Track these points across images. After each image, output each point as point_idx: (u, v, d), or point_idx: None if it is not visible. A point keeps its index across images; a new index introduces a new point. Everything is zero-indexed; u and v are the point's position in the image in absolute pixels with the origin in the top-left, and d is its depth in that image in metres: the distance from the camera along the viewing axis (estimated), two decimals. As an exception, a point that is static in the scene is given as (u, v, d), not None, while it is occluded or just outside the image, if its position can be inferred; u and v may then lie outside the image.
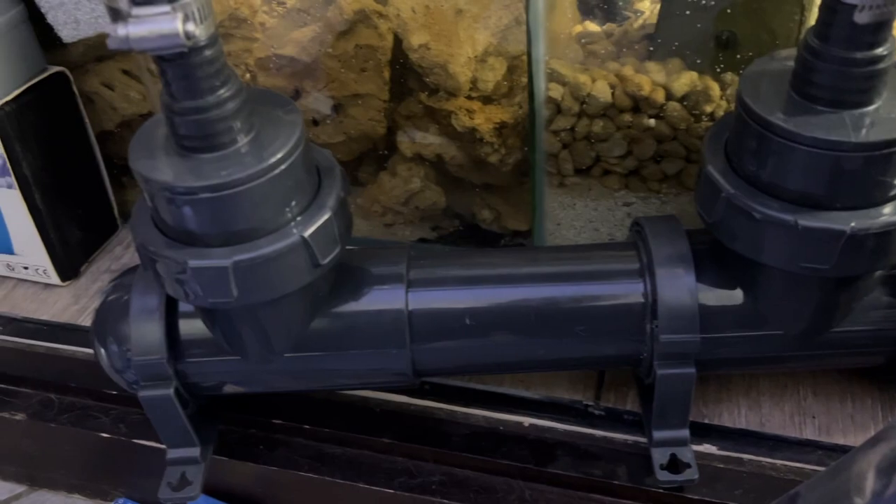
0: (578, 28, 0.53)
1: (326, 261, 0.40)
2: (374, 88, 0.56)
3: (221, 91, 0.36)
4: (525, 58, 0.52)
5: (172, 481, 0.46)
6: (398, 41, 0.54)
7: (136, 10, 0.32)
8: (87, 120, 0.62)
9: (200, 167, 0.37)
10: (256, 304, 0.40)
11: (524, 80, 0.53)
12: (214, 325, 0.43)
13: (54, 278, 0.62)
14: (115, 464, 0.57)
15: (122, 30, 0.32)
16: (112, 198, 0.66)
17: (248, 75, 0.57)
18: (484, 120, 0.54)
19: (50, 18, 0.55)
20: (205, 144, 0.37)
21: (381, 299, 0.43)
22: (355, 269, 0.44)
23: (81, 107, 0.61)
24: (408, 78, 0.56)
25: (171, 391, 0.44)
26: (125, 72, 0.61)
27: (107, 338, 0.45)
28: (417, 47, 0.53)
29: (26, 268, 0.62)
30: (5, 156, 0.55)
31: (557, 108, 0.52)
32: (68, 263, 0.62)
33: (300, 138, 0.38)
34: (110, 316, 0.46)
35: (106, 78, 0.62)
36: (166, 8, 0.32)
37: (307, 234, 0.38)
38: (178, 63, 0.35)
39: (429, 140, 0.58)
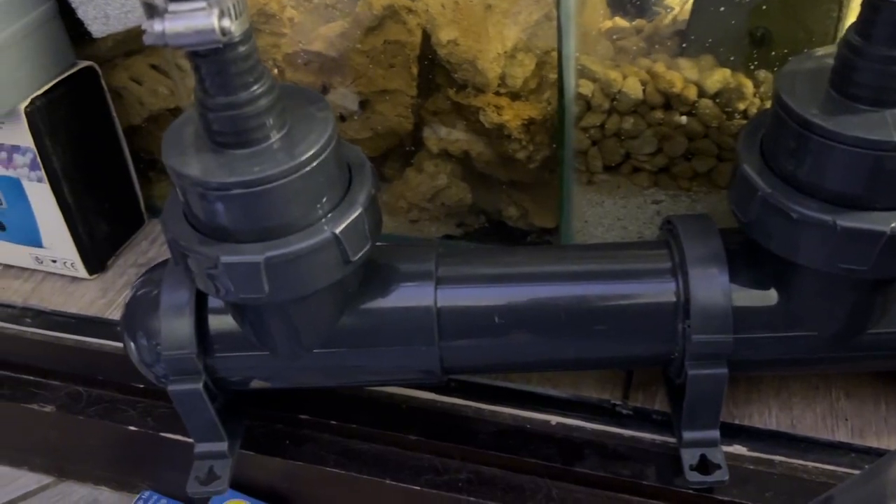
0: (608, 24, 0.53)
1: (357, 257, 0.40)
2: (401, 84, 0.55)
3: (255, 87, 0.36)
4: (554, 54, 0.52)
5: (200, 475, 0.46)
6: (427, 37, 0.53)
7: (173, 6, 0.32)
8: (114, 114, 0.62)
9: (233, 163, 0.37)
10: (286, 300, 0.40)
11: (553, 76, 0.53)
12: (244, 321, 0.43)
13: (82, 272, 0.62)
14: (141, 457, 0.58)
15: (157, 25, 0.32)
16: (139, 192, 0.66)
17: (275, 71, 0.57)
18: (512, 116, 0.54)
19: (80, 13, 0.55)
20: (237, 140, 0.37)
21: (410, 296, 0.43)
22: (384, 265, 0.44)
23: (110, 101, 0.61)
24: (436, 74, 0.56)
25: (200, 385, 0.44)
26: (153, 67, 0.62)
27: (136, 332, 0.46)
28: (446, 43, 0.53)
29: (54, 261, 0.62)
30: (36, 150, 0.56)
31: (587, 105, 0.51)
32: (96, 257, 0.63)
33: (332, 135, 0.38)
34: (140, 310, 0.46)
35: (134, 73, 0.62)
36: (202, 4, 0.32)
37: (338, 230, 0.38)
38: (212, 59, 0.35)
39: (456, 136, 0.57)
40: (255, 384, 0.47)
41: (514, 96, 0.54)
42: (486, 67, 0.52)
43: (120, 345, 0.58)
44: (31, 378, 0.59)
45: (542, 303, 0.43)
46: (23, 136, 0.55)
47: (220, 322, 0.44)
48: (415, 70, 0.55)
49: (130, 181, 0.65)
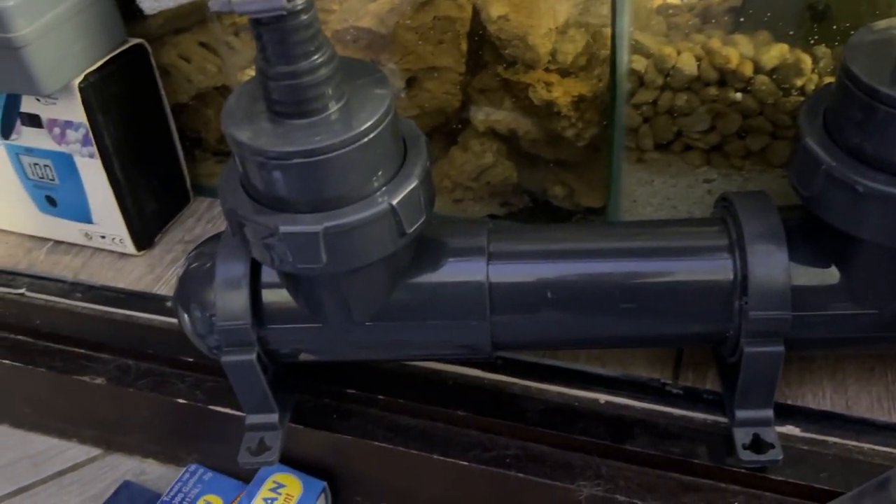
0: (660, 0, 0.52)
1: (412, 230, 0.40)
2: (450, 61, 0.55)
3: (315, 57, 0.36)
4: (605, 30, 0.51)
5: (251, 446, 0.47)
6: (476, 13, 0.53)
7: (239, -27, 0.32)
8: (163, 92, 0.63)
9: (293, 133, 0.37)
10: (341, 271, 0.40)
11: (603, 52, 0.53)
12: (298, 292, 0.44)
13: (130, 248, 0.63)
14: (189, 430, 0.58)
15: (223, -8, 0.32)
16: (185, 170, 0.67)
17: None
18: (562, 93, 0.54)
19: (132, -11, 0.56)
20: (297, 110, 0.37)
21: (462, 271, 0.43)
22: (435, 241, 0.44)
23: (158, 79, 0.62)
24: (484, 50, 0.55)
25: (253, 356, 0.44)
26: (202, 44, 0.62)
27: (190, 304, 0.46)
28: (496, 18, 0.52)
29: (103, 237, 0.63)
30: (88, 126, 0.56)
31: (640, 81, 0.51)
32: (144, 234, 0.64)
33: (390, 107, 0.38)
34: (193, 282, 0.46)
35: (183, 50, 0.62)
36: (268, -29, 0.32)
37: (395, 202, 0.38)
38: (274, 27, 0.35)
39: (503, 114, 0.57)
40: (306, 356, 0.47)
41: (564, 73, 0.54)
42: (537, 43, 0.52)
43: (169, 319, 0.59)
44: (82, 351, 0.60)
45: (595, 279, 0.43)
46: (76, 112, 0.56)
47: (274, 294, 0.44)
48: (464, 46, 0.55)
49: (177, 159, 0.66)
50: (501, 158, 0.59)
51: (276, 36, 0.35)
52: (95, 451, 0.64)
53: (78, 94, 0.55)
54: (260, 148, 0.37)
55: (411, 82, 0.57)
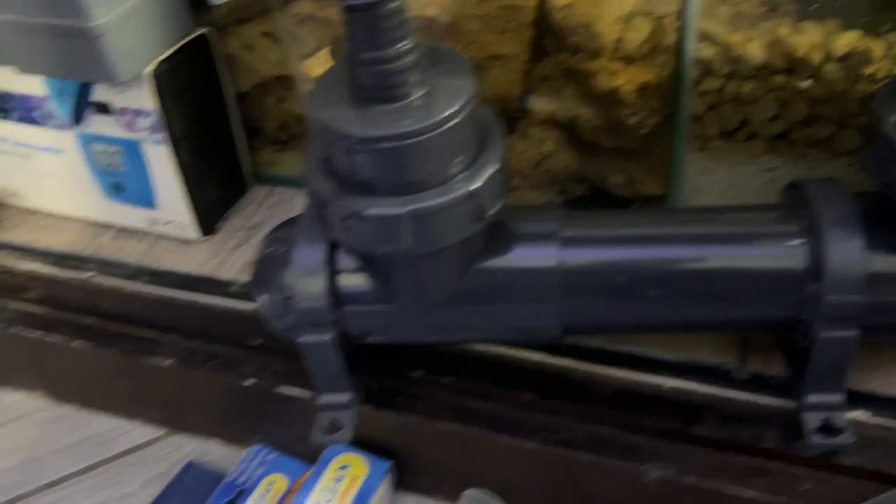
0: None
1: (491, 213, 0.41)
2: (514, 49, 0.56)
3: (402, 43, 0.37)
4: (669, 18, 0.52)
5: (324, 425, 0.48)
6: (541, 1, 0.54)
7: (337, -39, 0.33)
8: (226, 80, 0.64)
9: (379, 118, 0.38)
10: (420, 254, 0.41)
11: (667, 40, 0.53)
12: (374, 275, 0.45)
13: (193, 234, 0.65)
14: (254, 411, 0.60)
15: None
16: (245, 158, 0.68)
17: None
18: (626, 81, 0.54)
19: (201, -20, 0.57)
20: (383, 96, 0.38)
21: (535, 255, 0.44)
22: (506, 225, 0.45)
23: (222, 67, 0.63)
24: (546, 38, 0.56)
25: (329, 337, 0.45)
26: (265, 34, 0.63)
27: (267, 286, 0.47)
28: (561, 7, 0.53)
29: (167, 223, 0.65)
30: (158, 113, 0.58)
31: (706, 69, 0.51)
32: (207, 220, 0.65)
33: (473, 94, 0.39)
34: (270, 265, 0.47)
35: (246, 40, 0.64)
36: (366, -42, 0.33)
37: (476, 186, 0.39)
38: (365, 13, 0.36)
39: (564, 102, 0.58)
40: (378, 338, 0.48)
41: (628, 61, 0.54)
42: (603, 32, 0.52)
43: (234, 303, 0.61)
44: (150, 333, 0.61)
45: (667, 264, 0.43)
46: (146, 100, 0.57)
47: (350, 277, 0.45)
48: (528, 35, 0.55)
49: (238, 146, 0.67)
50: (561, 146, 0.60)
51: (368, 22, 0.36)
52: (159, 432, 0.66)
53: (149, 83, 0.56)
54: (347, 132, 0.38)
55: (473, 70, 0.58)
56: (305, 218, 0.46)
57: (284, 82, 0.66)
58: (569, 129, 0.59)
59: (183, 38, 0.59)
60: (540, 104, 0.58)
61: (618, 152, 0.59)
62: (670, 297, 0.43)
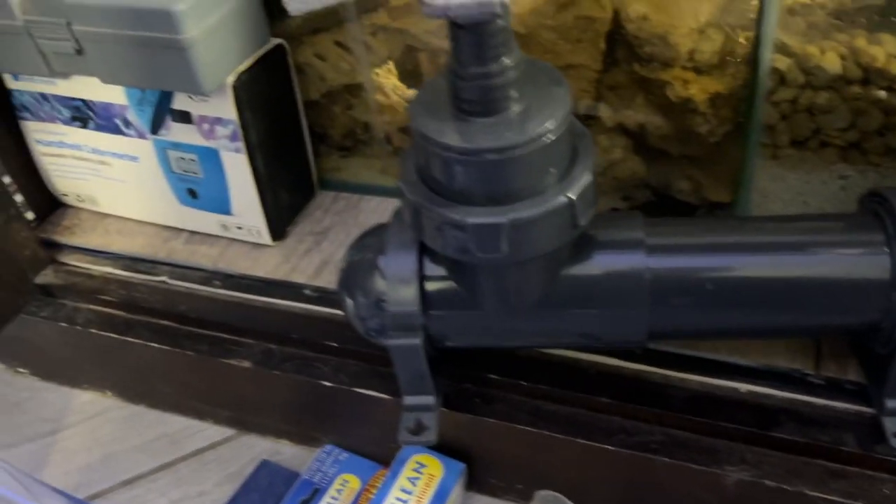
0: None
1: (585, 222, 0.42)
2: (587, 59, 0.57)
3: (506, 59, 0.38)
4: (742, 29, 0.53)
5: (410, 426, 0.49)
6: (616, 11, 0.55)
7: (454, -19, 0.34)
8: (297, 89, 0.66)
9: (481, 131, 0.39)
10: (514, 262, 0.42)
11: (739, 50, 0.54)
12: (463, 281, 0.46)
13: (265, 238, 0.66)
14: (327, 411, 0.61)
15: (439, -1, 0.35)
16: (313, 164, 0.70)
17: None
18: (699, 90, 0.55)
19: (280, -9, 0.58)
20: (484, 109, 0.40)
21: (622, 262, 0.45)
22: (592, 233, 0.46)
23: (294, 76, 0.65)
24: (617, 47, 0.57)
25: (419, 341, 0.47)
26: (338, 43, 0.65)
27: (355, 290, 0.49)
28: (636, 18, 0.54)
29: (240, 228, 0.67)
30: (237, 122, 0.59)
31: (781, 79, 0.52)
32: (278, 225, 0.67)
33: (570, 106, 0.40)
34: (359, 271, 0.49)
35: (319, 49, 0.65)
36: (482, -22, 0.34)
37: (573, 195, 0.40)
38: (474, 30, 0.37)
39: (633, 110, 0.59)
40: (462, 342, 0.49)
41: (700, 70, 0.55)
42: (678, 42, 0.53)
43: (307, 306, 0.62)
44: (226, 335, 0.63)
45: (754, 272, 0.44)
46: (227, 109, 0.59)
47: (438, 282, 0.47)
48: (602, 45, 0.56)
49: (307, 154, 0.69)
50: (629, 153, 0.61)
51: (475, 39, 0.37)
52: (230, 432, 0.68)
53: (230, 93, 0.58)
54: (449, 144, 0.39)
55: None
56: (396, 225, 0.48)
57: (352, 90, 0.68)
58: (637, 137, 0.60)
59: (261, 47, 0.61)
60: (609, 112, 0.60)
61: (685, 158, 0.60)
62: (756, 303, 0.45)
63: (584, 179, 0.41)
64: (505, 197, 0.40)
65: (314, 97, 0.68)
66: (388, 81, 0.66)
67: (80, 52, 0.58)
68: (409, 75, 0.66)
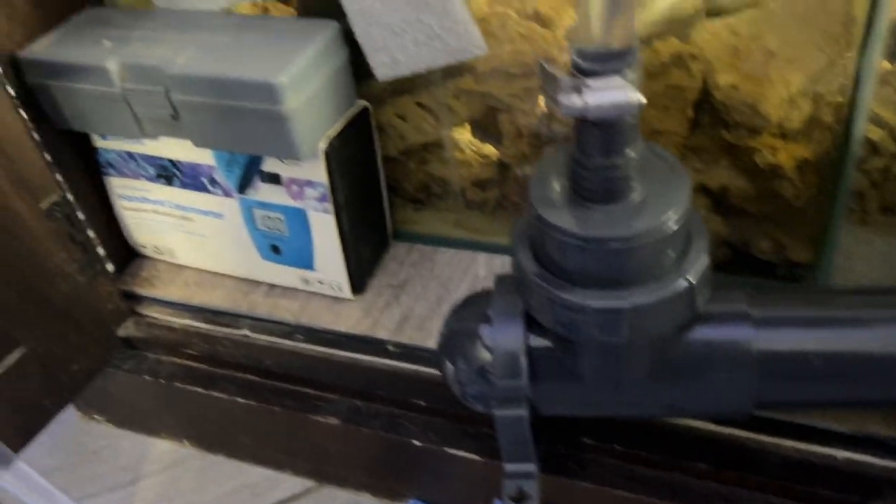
0: (887, 66, 0.54)
1: (703, 304, 0.43)
2: (675, 125, 0.58)
3: (630, 151, 0.39)
4: (831, 97, 0.53)
5: (511, 494, 0.50)
6: (705, 79, 0.56)
7: (593, 83, 0.36)
8: (378, 147, 0.67)
9: (602, 218, 0.40)
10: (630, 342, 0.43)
11: (827, 118, 0.55)
12: (569, 355, 0.47)
13: (346, 293, 0.67)
14: (413, 468, 0.62)
15: (578, 100, 0.36)
16: (388, 217, 0.71)
17: (546, 110, 0.61)
18: (787, 157, 0.56)
19: (370, 59, 0.60)
20: (605, 197, 0.41)
21: (729, 336, 0.46)
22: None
23: (376, 136, 0.66)
24: (702, 112, 0.58)
25: (525, 412, 0.48)
26: (419, 104, 0.66)
27: (456, 356, 0.50)
28: (724, 86, 0.55)
29: (321, 282, 0.68)
30: (328, 185, 0.61)
31: (873, 149, 0.53)
32: (358, 279, 0.68)
33: (691, 194, 0.41)
34: (461, 338, 0.50)
35: (400, 109, 0.67)
36: (621, 80, 0.35)
37: (693, 279, 0.41)
38: (603, 127, 0.38)
39: (717, 172, 0.60)
40: (565, 411, 0.50)
41: (788, 137, 0.56)
42: (768, 112, 0.54)
43: (392, 362, 0.63)
44: (311, 391, 0.64)
45: (861, 346, 0.45)
46: (318, 173, 0.60)
47: (544, 354, 0.48)
48: (690, 113, 0.57)
49: (384, 207, 0.70)
50: (709, 213, 0.62)
51: (603, 135, 0.38)
52: (310, 483, 0.69)
53: (322, 157, 0.59)
54: (571, 231, 0.40)
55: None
56: (500, 295, 0.49)
57: (428, 147, 0.69)
58: (718, 197, 0.61)
59: (348, 111, 0.62)
60: (690, 173, 0.60)
61: (766, 218, 0.61)
62: (864, 376, 0.45)
63: (701, 262, 0.42)
64: (624, 281, 0.41)
65: (392, 154, 0.69)
66: (462, 137, 0.67)
67: (175, 117, 0.59)
68: (486, 132, 0.67)
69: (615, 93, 0.35)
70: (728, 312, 0.47)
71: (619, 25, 0.35)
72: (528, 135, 0.64)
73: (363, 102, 0.64)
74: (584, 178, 0.41)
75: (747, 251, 0.64)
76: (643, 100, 0.36)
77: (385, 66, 0.60)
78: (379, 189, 0.69)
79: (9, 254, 0.57)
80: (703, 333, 0.46)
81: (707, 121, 0.59)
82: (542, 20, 0.60)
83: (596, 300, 0.41)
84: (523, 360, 0.47)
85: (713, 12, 0.55)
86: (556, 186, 0.43)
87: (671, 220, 0.40)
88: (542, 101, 0.61)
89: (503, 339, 0.47)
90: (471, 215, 0.72)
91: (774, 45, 0.54)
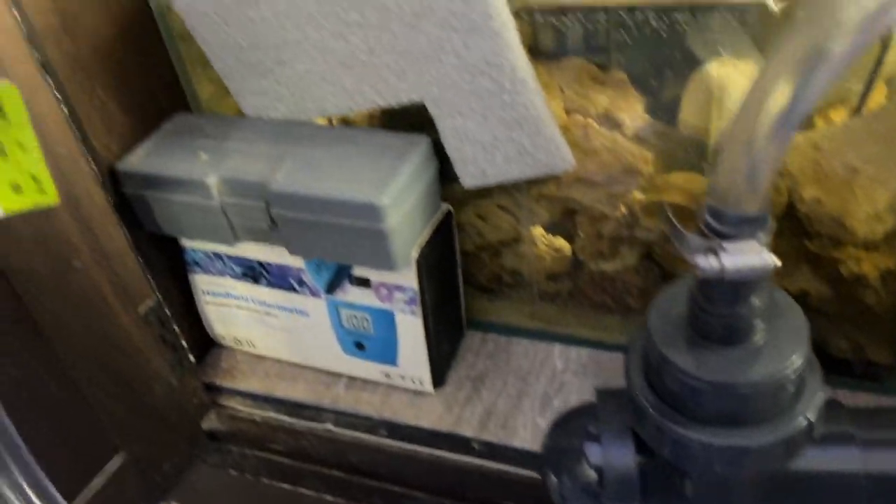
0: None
1: (819, 436, 0.44)
2: (759, 235, 0.60)
3: (754, 298, 0.41)
4: (912, 209, 0.55)
5: None
6: (790, 193, 0.58)
7: (729, 246, 0.37)
8: (458, 245, 0.69)
9: (724, 362, 0.42)
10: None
11: (906, 229, 0.57)
12: (681, 478, 0.48)
13: (427, 387, 0.69)
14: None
15: (715, 262, 0.38)
16: (463, 308, 0.73)
17: (627, 211, 0.63)
18: (871, 267, 0.58)
19: (458, 170, 0.62)
20: (728, 340, 0.42)
21: (837, 459, 0.47)
22: (798, 426, 0.48)
23: (456, 235, 0.68)
24: (784, 221, 0.60)
25: (634, 532, 0.49)
26: (500, 206, 0.68)
27: (561, 472, 0.51)
28: (809, 200, 0.57)
29: (403, 377, 0.69)
30: (417, 289, 0.63)
31: (958, 264, 0.55)
32: (438, 373, 0.69)
33: (809, 335, 0.43)
34: (565, 454, 0.51)
35: (481, 210, 0.69)
36: (757, 245, 0.37)
37: (812, 416, 0.43)
38: (733, 283, 0.40)
39: (798, 278, 0.61)
40: (669, 527, 0.51)
41: (871, 247, 0.58)
42: (854, 226, 0.56)
43: (478, 461, 0.64)
44: (397, 489, 0.66)
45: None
46: (408, 279, 0.62)
47: (652, 474, 0.49)
48: (775, 225, 0.59)
49: (461, 300, 0.72)
50: (788, 314, 0.63)
51: (734, 291, 0.40)
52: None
53: (414, 265, 0.61)
54: (693, 374, 0.42)
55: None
56: (608, 413, 0.50)
57: (505, 244, 0.71)
58: (796, 299, 0.63)
59: (435, 217, 0.64)
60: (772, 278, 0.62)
61: (845, 319, 0.63)
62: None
63: (818, 398, 0.43)
64: (746, 419, 0.43)
65: (469, 249, 0.71)
66: (536, 231, 0.69)
67: (272, 228, 0.61)
68: (561, 228, 0.69)
69: (752, 257, 0.37)
70: (834, 433, 0.48)
71: (758, 197, 0.37)
72: (607, 237, 0.66)
73: (447, 206, 0.66)
74: (705, 322, 0.42)
75: (825, 349, 0.65)
76: (778, 262, 0.38)
77: (473, 177, 0.62)
78: (457, 284, 0.71)
79: (117, 365, 0.59)
80: (808, 454, 0.48)
81: (789, 228, 0.61)
82: (611, 121, 0.62)
83: (719, 439, 0.42)
84: (635, 482, 0.48)
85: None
86: (676, 321, 0.44)
87: (794, 365, 0.42)
88: (622, 206, 0.63)
89: (615, 460, 0.49)
90: (543, 306, 0.74)
91: (859, 161, 0.56)
